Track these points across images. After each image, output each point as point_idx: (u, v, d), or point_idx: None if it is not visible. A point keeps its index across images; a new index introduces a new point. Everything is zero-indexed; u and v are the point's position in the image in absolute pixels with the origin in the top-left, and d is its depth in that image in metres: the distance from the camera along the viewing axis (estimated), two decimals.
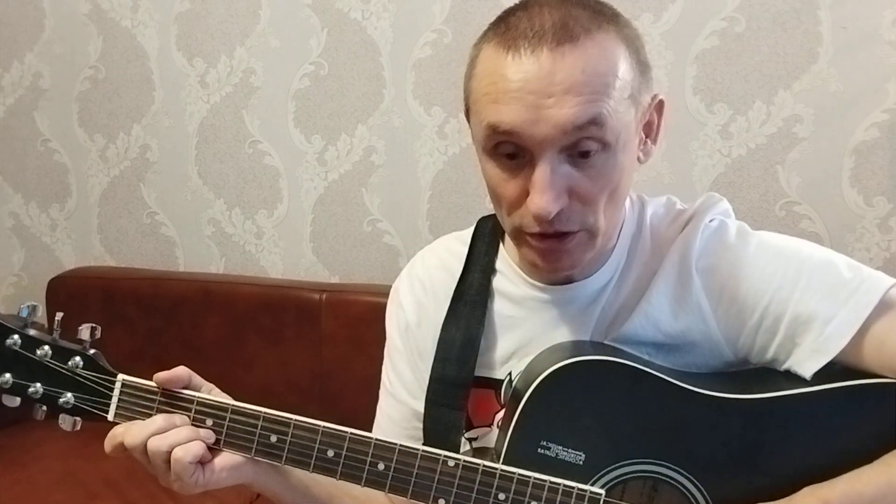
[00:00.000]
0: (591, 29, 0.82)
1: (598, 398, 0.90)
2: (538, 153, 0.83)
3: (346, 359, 2.11)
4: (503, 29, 0.85)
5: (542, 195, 0.83)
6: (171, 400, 0.92)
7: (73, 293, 2.36)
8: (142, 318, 2.24)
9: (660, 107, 0.93)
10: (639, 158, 0.93)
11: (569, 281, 0.99)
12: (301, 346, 2.15)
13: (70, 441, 2.11)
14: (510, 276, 1.03)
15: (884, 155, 1.77)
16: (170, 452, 0.87)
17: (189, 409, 0.92)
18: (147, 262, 2.46)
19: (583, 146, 0.83)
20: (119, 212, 2.46)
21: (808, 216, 1.85)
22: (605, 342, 0.97)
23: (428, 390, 1.03)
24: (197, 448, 0.88)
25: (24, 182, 2.54)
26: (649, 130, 0.93)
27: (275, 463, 0.91)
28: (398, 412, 1.08)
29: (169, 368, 0.93)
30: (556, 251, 0.90)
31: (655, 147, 0.94)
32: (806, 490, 0.88)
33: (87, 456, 2.01)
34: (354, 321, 2.09)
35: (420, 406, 1.04)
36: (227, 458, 0.92)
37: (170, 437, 0.88)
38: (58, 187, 2.51)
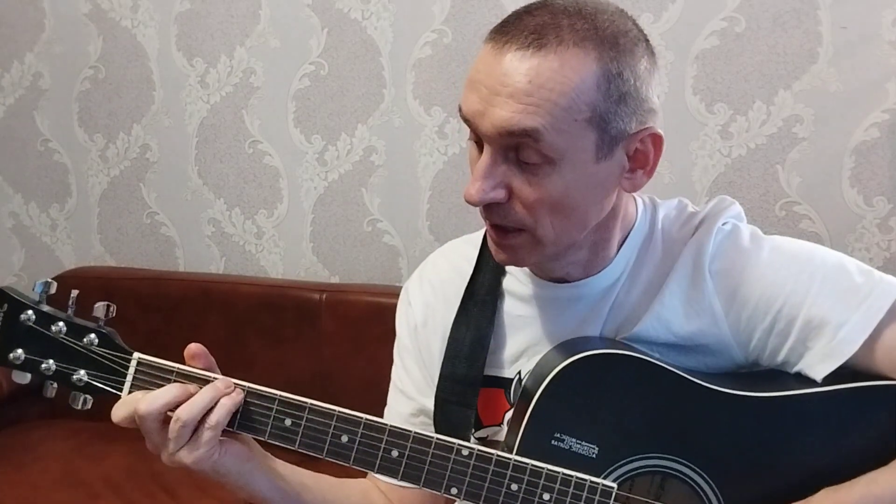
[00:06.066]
0: (566, 43, 0.81)
1: (613, 392, 0.91)
2: (485, 143, 0.86)
3: (346, 359, 2.11)
4: (501, 21, 0.86)
5: (475, 182, 0.87)
6: (187, 379, 0.92)
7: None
8: (142, 318, 2.23)
9: (656, 140, 0.89)
10: (623, 186, 0.91)
11: (575, 279, 0.99)
12: (301, 346, 2.15)
13: (70, 441, 2.13)
14: (519, 275, 1.04)
15: (884, 155, 1.78)
16: (201, 418, 0.87)
17: None
18: (147, 262, 2.45)
19: (523, 155, 0.84)
20: (119, 212, 2.46)
21: (808, 216, 1.85)
22: (618, 339, 0.97)
23: (438, 388, 1.03)
24: (232, 405, 0.89)
25: (24, 182, 2.54)
26: (644, 162, 0.90)
27: (288, 447, 0.91)
28: (406, 407, 1.09)
29: None
30: (500, 244, 0.93)
31: (648, 179, 0.91)
32: (822, 493, 0.89)
33: (87, 456, 2.00)
34: (354, 321, 2.09)
35: (428, 402, 1.05)
36: (236, 444, 0.92)
37: (198, 402, 0.88)
38: (58, 187, 2.51)
